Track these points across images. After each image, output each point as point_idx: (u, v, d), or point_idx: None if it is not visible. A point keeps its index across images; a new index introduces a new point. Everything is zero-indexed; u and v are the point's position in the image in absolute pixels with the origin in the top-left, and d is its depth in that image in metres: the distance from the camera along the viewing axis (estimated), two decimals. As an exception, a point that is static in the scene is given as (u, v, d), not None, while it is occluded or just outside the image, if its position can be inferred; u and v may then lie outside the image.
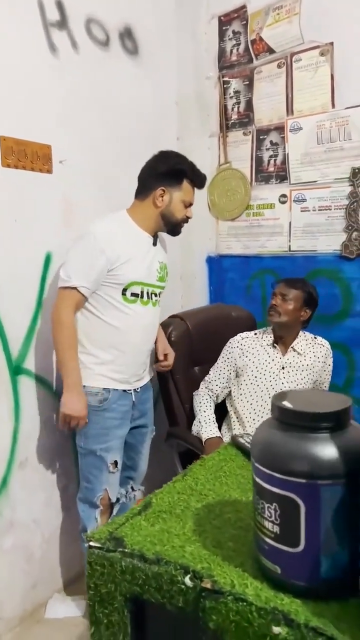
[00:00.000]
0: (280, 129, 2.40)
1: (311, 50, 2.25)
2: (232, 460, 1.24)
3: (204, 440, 2.02)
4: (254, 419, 2.03)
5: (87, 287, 1.76)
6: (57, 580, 2.17)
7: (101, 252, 1.74)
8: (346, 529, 0.72)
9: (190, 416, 2.20)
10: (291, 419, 0.75)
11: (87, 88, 2.13)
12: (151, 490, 1.11)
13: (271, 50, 2.38)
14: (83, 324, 1.83)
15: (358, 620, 0.69)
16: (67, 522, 2.15)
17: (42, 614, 2.04)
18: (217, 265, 2.71)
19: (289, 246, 2.44)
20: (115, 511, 1.95)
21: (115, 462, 1.88)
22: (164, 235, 2.03)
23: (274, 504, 0.74)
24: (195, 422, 2.12)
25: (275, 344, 2.07)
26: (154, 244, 1.94)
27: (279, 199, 2.45)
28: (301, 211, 2.38)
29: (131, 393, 1.91)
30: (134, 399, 1.92)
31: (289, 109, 2.36)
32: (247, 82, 2.49)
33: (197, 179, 1.90)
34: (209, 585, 0.77)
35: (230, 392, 2.14)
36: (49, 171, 1.98)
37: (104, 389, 1.83)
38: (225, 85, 2.57)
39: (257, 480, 0.78)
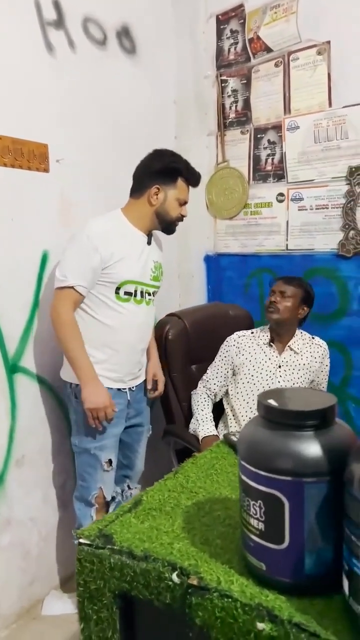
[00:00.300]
0: (277, 127, 2.40)
1: (308, 49, 2.25)
2: (223, 458, 1.25)
3: (200, 438, 2.03)
4: (249, 418, 2.02)
5: (84, 286, 1.77)
6: (54, 577, 2.18)
7: (95, 250, 1.75)
8: (330, 526, 0.72)
9: (188, 414, 2.20)
10: (276, 417, 0.76)
11: (84, 87, 2.14)
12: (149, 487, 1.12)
13: (269, 49, 2.38)
14: (77, 323, 1.83)
15: (341, 616, 0.70)
16: (64, 519, 2.16)
17: (38, 611, 2.05)
18: (215, 264, 2.71)
19: (287, 245, 2.45)
20: (111, 510, 1.95)
21: (110, 461, 1.89)
22: (159, 234, 2.04)
23: (259, 501, 0.75)
24: (192, 420, 2.12)
25: (272, 343, 2.07)
26: (149, 242, 1.94)
27: (277, 198, 2.45)
28: (298, 210, 2.38)
29: (126, 392, 1.92)
30: (129, 398, 1.93)
31: (287, 108, 2.36)
32: (245, 81, 2.49)
33: (192, 177, 1.90)
34: (195, 582, 0.78)
35: (227, 390, 2.14)
36: (46, 170, 1.99)
37: (98, 387, 1.84)
38: (223, 84, 2.57)
39: (243, 477, 0.78)
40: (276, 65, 2.36)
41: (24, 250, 1.93)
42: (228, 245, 2.66)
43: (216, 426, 2.12)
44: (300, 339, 2.09)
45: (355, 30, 2.12)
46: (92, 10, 2.16)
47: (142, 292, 1.89)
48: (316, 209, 2.32)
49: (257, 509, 0.75)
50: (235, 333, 2.16)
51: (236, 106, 2.54)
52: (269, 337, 2.08)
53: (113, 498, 1.97)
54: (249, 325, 2.39)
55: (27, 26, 1.90)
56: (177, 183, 1.87)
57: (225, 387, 2.14)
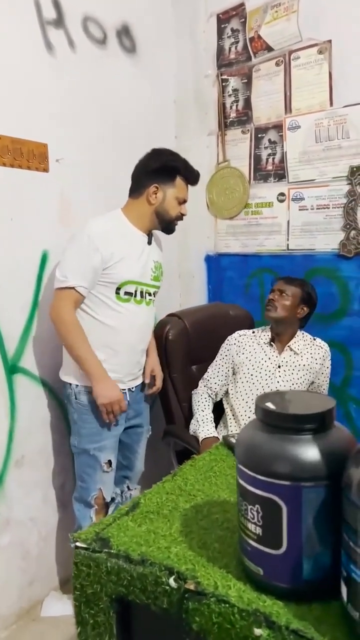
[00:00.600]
0: (278, 127, 2.39)
1: (309, 48, 2.24)
2: (222, 461, 1.24)
3: (200, 439, 2.02)
4: (249, 417, 2.02)
5: (85, 287, 1.76)
6: (54, 578, 2.17)
7: (96, 250, 1.74)
8: (328, 531, 0.71)
9: (188, 415, 2.20)
10: (274, 421, 0.75)
11: (84, 87, 2.13)
12: (148, 489, 1.11)
13: (269, 48, 2.37)
14: (79, 322, 1.83)
15: (339, 622, 0.69)
16: (64, 520, 2.16)
17: (38, 612, 2.05)
18: (216, 264, 2.70)
19: (287, 245, 2.44)
20: (110, 510, 1.95)
21: (109, 462, 1.88)
22: (159, 234, 2.03)
23: (257, 505, 0.74)
24: (193, 420, 2.12)
25: (272, 342, 2.06)
26: (149, 242, 1.94)
27: (277, 198, 2.44)
28: (299, 210, 2.37)
29: (126, 392, 1.91)
30: (128, 399, 1.92)
31: (287, 107, 2.35)
32: (246, 80, 2.48)
33: (191, 176, 1.89)
34: (192, 587, 0.77)
35: (227, 390, 2.14)
36: (46, 170, 1.98)
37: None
38: (223, 84, 2.56)
39: (241, 482, 0.77)
40: (277, 64, 2.35)
41: (23, 250, 1.93)
42: (229, 245, 2.65)
43: (216, 427, 2.11)
44: (301, 339, 2.08)
45: (356, 29, 2.11)
46: (92, 10, 2.15)
47: (142, 292, 1.88)
48: (317, 208, 2.30)
49: (255, 513, 0.74)
50: (236, 332, 2.16)
51: (237, 105, 2.53)
52: (269, 336, 2.07)
53: (112, 499, 1.96)
54: (250, 325, 2.38)
55: (27, 25, 1.90)
56: (176, 182, 1.86)
57: (225, 386, 2.13)
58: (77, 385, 1.85)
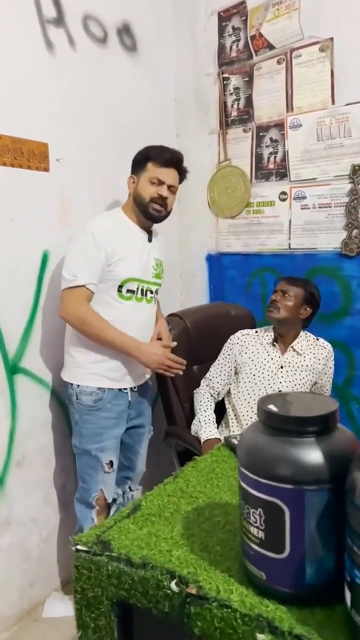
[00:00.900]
0: (280, 125, 2.38)
1: (311, 46, 2.22)
2: (224, 462, 1.23)
3: (202, 440, 2.01)
4: (251, 418, 2.02)
5: (94, 284, 1.77)
6: (55, 579, 2.16)
7: (100, 248, 1.76)
8: (331, 534, 0.70)
9: (189, 415, 2.19)
10: (276, 423, 0.74)
11: (84, 85, 2.12)
12: (150, 490, 1.10)
13: (271, 46, 2.36)
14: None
15: (342, 628, 0.68)
16: (65, 520, 2.15)
17: (39, 613, 2.04)
18: (217, 263, 2.69)
19: (289, 244, 2.42)
20: (112, 511, 1.94)
21: (111, 462, 1.87)
22: (161, 232, 2.03)
23: (259, 509, 0.73)
24: (194, 421, 2.11)
25: (275, 343, 2.05)
26: (149, 240, 1.93)
27: (279, 197, 2.43)
28: (301, 209, 2.36)
29: (127, 392, 1.91)
30: (130, 399, 1.92)
31: (289, 106, 2.34)
32: (247, 79, 2.47)
33: (160, 156, 1.87)
34: (194, 591, 0.76)
35: (229, 389, 2.13)
36: (46, 169, 1.97)
37: (99, 388, 1.83)
38: (224, 82, 2.55)
39: (243, 485, 0.76)
40: (278, 62, 2.34)
41: (24, 250, 1.92)
42: (230, 244, 2.64)
43: (217, 427, 2.10)
44: (305, 340, 2.07)
45: (358, 27, 2.09)
46: (93, 8, 2.14)
47: (143, 290, 1.89)
48: (319, 207, 2.29)
49: (257, 517, 0.73)
50: (239, 331, 2.15)
51: (238, 104, 2.52)
52: (272, 336, 2.06)
53: (114, 500, 1.95)
54: (251, 325, 2.37)
55: (27, 24, 1.89)
56: (147, 166, 1.88)
57: (228, 385, 2.12)
58: (78, 386, 1.85)
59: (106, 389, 1.84)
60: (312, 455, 0.70)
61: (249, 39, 2.43)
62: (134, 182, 1.90)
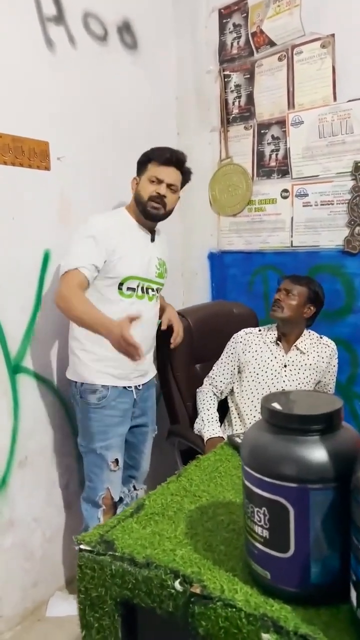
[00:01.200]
0: (281, 122, 2.37)
1: (312, 43, 2.21)
2: (227, 461, 1.23)
3: (205, 439, 2.00)
4: (254, 416, 2.01)
5: (88, 268, 1.73)
6: (59, 578, 2.16)
7: (98, 241, 1.76)
8: (336, 533, 0.70)
9: (192, 414, 2.18)
10: (280, 422, 0.74)
11: (85, 83, 2.11)
12: (153, 489, 1.10)
13: (272, 43, 2.35)
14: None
15: (348, 627, 0.68)
16: (69, 520, 2.15)
17: (43, 612, 2.04)
18: (219, 262, 2.69)
19: (291, 242, 2.41)
20: (119, 511, 1.94)
21: (116, 460, 1.87)
22: (162, 231, 2.02)
23: (263, 508, 0.73)
24: (197, 419, 2.10)
25: (278, 341, 2.05)
26: (152, 239, 1.93)
27: (281, 194, 2.42)
28: (303, 206, 2.34)
29: (132, 390, 1.90)
30: (135, 397, 1.92)
31: (290, 103, 2.32)
32: (248, 76, 2.46)
33: (159, 156, 1.87)
34: (198, 591, 0.76)
35: (232, 388, 2.12)
36: (47, 168, 1.97)
37: (103, 386, 1.83)
38: (225, 79, 2.53)
39: (247, 483, 0.76)
40: (280, 59, 2.33)
41: (25, 249, 1.92)
42: (232, 242, 2.63)
43: (220, 425, 2.09)
44: (308, 338, 2.06)
45: (359, 23, 2.08)
46: (93, 6, 2.13)
47: (144, 288, 1.89)
48: (321, 205, 2.28)
49: (262, 516, 0.73)
50: (242, 330, 2.14)
51: (239, 101, 2.51)
52: (276, 335, 2.05)
53: (121, 499, 1.95)
54: (253, 323, 2.36)
55: (27, 22, 1.88)
56: (148, 167, 1.89)
57: (231, 384, 2.12)
58: (82, 384, 1.85)
59: (110, 387, 1.84)
60: (317, 453, 0.70)
61: (249, 35, 2.42)
62: (137, 183, 1.91)
